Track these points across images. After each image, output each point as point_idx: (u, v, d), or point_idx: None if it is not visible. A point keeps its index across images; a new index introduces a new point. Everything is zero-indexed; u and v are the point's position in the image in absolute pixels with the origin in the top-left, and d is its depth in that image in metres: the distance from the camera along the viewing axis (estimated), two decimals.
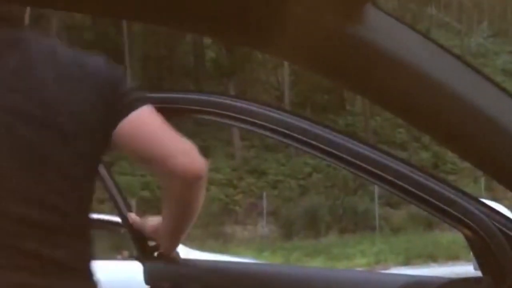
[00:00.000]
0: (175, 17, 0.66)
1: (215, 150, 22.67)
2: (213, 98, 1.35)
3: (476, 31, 30.16)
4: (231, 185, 21.35)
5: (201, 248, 9.26)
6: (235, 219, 19.92)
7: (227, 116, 1.31)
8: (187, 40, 26.51)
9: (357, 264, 14.16)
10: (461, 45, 26.53)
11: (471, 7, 31.21)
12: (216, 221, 18.97)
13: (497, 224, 1.03)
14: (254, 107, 1.26)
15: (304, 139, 1.17)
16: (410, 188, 1.07)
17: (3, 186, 1.13)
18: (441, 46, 0.71)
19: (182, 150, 1.20)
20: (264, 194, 19.43)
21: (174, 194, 1.26)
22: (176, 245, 1.47)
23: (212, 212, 19.21)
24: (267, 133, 1.24)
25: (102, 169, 1.50)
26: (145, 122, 1.23)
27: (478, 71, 0.75)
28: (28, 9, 1.29)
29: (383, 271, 8.19)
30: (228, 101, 1.31)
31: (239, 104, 1.29)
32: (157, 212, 1.44)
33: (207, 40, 24.41)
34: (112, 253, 6.80)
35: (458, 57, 0.73)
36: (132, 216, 1.53)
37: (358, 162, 1.11)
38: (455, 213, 1.04)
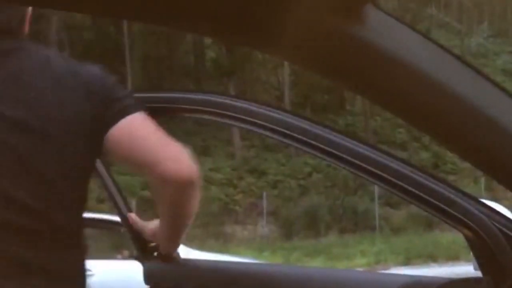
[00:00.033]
0: (175, 17, 0.66)
1: (215, 150, 22.68)
2: (213, 98, 1.35)
3: (476, 31, 30.16)
4: (231, 185, 21.35)
5: (201, 248, 9.26)
6: (235, 219, 19.92)
7: (227, 116, 1.30)
8: (187, 40, 26.51)
9: (357, 264, 14.16)
10: (461, 45, 26.54)
11: (471, 7, 31.21)
12: (216, 220, 18.97)
13: (497, 225, 1.03)
14: (254, 107, 1.26)
15: (304, 139, 1.17)
16: (410, 188, 1.06)
17: None
18: (441, 46, 0.71)
19: (171, 156, 1.20)
20: (264, 194, 19.44)
21: (166, 200, 1.27)
22: (175, 247, 1.47)
23: (212, 212, 19.21)
24: (267, 133, 1.24)
25: (101, 169, 1.51)
26: (135, 129, 1.23)
27: (478, 71, 0.75)
28: (28, 19, 1.29)
29: (383, 271, 8.20)
30: (228, 101, 1.31)
31: (239, 104, 1.29)
32: (155, 213, 1.44)
33: (207, 40, 24.41)
34: (112, 252, 6.81)
35: (458, 57, 0.73)
36: (132, 217, 1.53)
37: (358, 162, 1.10)
38: (455, 213, 1.04)
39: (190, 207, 1.28)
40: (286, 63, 17.93)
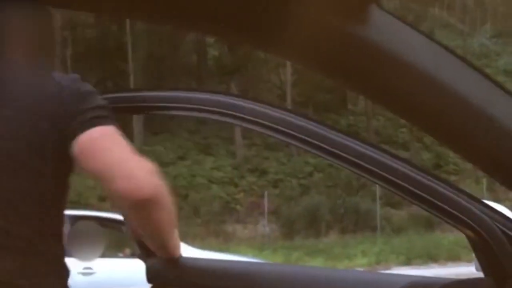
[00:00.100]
0: (177, 16, 0.66)
1: (216, 148, 22.68)
2: (215, 97, 1.35)
3: (479, 32, 30.12)
4: (232, 184, 21.35)
5: (202, 246, 9.27)
6: (236, 218, 19.92)
7: (229, 115, 1.30)
8: (189, 39, 26.51)
9: (357, 264, 14.15)
10: (463, 46, 26.51)
11: (474, 8, 31.18)
12: (217, 219, 18.98)
13: (499, 225, 1.03)
14: (256, 106, 1.26)
15: (306, 138, 1.17)
16: (412, 189, 1.06)
17: None
18: (444, 47, 0.71)
19: (127, 174, 1.17)
20: (265, 193, 19.44)
21: (128, 215, 1.25)
22: (166, 253, 1.45)
23: (213, 211, 19.23)
24: (269, 132, 1.24)
25: None
26: (98, 141, 1.22)
27: (481, 72, 0.75)
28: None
29: (384, 272, 8.19)
30: (230, 100, 1.31)
31: (241, 103, 1.29)
32: None
33: (210, 39, 24.40)
34: (114, 251, 6.81)
35: (461, 58, 0.73)
36: None
37: (359, 162, 1.10)
38: (458, 214, 1.04)
39: (155, 223, 1.25)
40: (288, 62, 17.92)
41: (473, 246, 1.09)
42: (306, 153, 19.43)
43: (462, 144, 0.79)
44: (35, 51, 1.33)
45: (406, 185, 1.07)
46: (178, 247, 1.47)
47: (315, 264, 13.39)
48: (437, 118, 0.74)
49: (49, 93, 1.25)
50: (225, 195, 20.60)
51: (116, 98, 1.45)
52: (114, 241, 6.63)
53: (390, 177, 1.08)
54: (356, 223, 19.27)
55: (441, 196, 1.05)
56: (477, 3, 31.24)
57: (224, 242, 17.02)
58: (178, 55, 26.07)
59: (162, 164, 20.92)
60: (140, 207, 1.18)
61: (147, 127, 21.88)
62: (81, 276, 6.20)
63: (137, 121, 21.21)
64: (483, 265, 1.09)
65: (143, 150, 21.60)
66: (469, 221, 1.03)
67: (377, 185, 1.72)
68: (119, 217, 1.67)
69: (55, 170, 1.26)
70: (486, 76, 0.75)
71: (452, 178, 20.30)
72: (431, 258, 15.18)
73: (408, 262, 14.76)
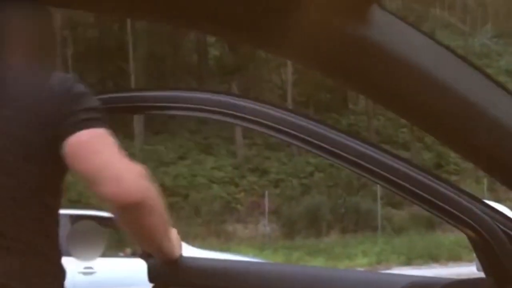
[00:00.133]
0: (179, 16, 0.66)
1: (217, 148, 22.67)
2: (216, 97, 1.35)
3: (480, 32, 30.11)
4: (233, 183, 21.35)
5: (203, 246, 9.27)
6: (236, 218, 19.92)
7: (230, 115, 1.30)
8: (190, 38, 26.51)
9: (358, 264, 14.15)
10: (464, 46, 26.49)
11: (475, 8, 31.16)
12: (217, 219, 18.98)
13: (500, 225, 1.03)
14: (257, 106, 1.26)
15: (307, 138, 1.17)
16: (412, 189, 1.06)
17: None
18: (446, 47, 0.71)
19: (113, 177, 1.16)
20: (266, 192, 19.44)
21: (118, 219, 1.25)
22: (164, 254, 1.44)
23: (214, 210, 19.22)
24: (270, 132, 1.24)
25: None
26: (87, 144, 1.21)
27: (482, 72, 0.75)
28: None
29: (385, 272, 8.19)
30: (231, 100, 1.31)
31: (242, 102, 1.29)
32: None
33: (211, 38, 24.40)
34: (115, 250, 6.81)
35: (462, 58, 0.73)
36: None
37: (360, 162, 1.10)
38: (459, 214, 1.04)
39: (145, 227, 1.24)
40: (289, 62, 17.92)
41: (474, 246, 1.09)
42: (307, 153, 19.43)
43: (463, 144, 0.78)
44: (35, 51, 1.32)
45: (407, 185, 1.07)
46: (178, 248, 1.47)
47: (316, 264, 13.39)
48: (438, 118, 0.74)
49: (43, 94, 1.25)
50: (226, 194, 20.60)
51: (117, 98, 1.45)
52: (114, 240, 6.63)
53: (391, 177, 1.08)
54: (357, 223, 19.27)
55: (442, 196, 1.05)
56: (478, 3, 31.22)
57: (225, 242, 17.03)
58: (179, 55, 26.08)
59: (163, 164, 21.00)
60: (128, 210, 1.18)
61: (148, 126, 21.89)
62: (82, 276, 6.21)
63: (137, 120, 21.22)
64: (484, 265, 1.09)
65: (144, 149, 21.66)
66: (470, 221, 1.03)
67: (378, 185, 1.72)
68: None
69: (48, 171, 1.25)
70: (487, 76, 0.75)
71: (453, 178, 20.29)
72: (432, 258, 15.18)
73: (409, 262, 14.76)
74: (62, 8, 1.26)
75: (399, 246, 16.09)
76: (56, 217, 1.30)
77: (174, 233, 1.46)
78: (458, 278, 1.20)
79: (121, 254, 6.93)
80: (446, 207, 1.04)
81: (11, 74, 1.26)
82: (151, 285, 1.57)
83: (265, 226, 19.12)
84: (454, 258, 14.52)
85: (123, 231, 1.31)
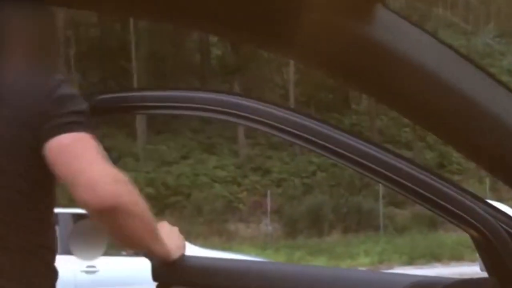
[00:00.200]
0: (181, 15, 0.66)
1: (220, 148, 22.68)
2: (219, 96, 1.35)
3: (482, 31, 30.07)
4: (235, 183, 21.35)
5: (205, 245, 9.27)
6: (239, 217, 19.93)
7: (233, 114, 1.30)
8: (193, 38, 26.52)
9: (360, 264, 14.14)
10: (467, 45, 26.46)
11: (478, 7, 31.13)
12: (219, 218, 18.99)
13: (502, 225, 1.03)
14: (259, 105, 1.26)
15: (309, 137, 1.17)
16: (415, 188, 1.06)
17: None
18: (449, 46, 0.71)
19: (88, 183, 1.16)
20: (268, 192, 19.44)
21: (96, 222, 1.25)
22: (160, 255, 1.41)
23: (216, 210, 19.23)
24: (272, 131, 1.24)
25: None
26: (69, 147, 1.21)
27: (485, 71, 0.75)
28: None
29: (387, 271, 8.19)
30: (233, 99, 1.31)
31: (245, 102, 1.29)
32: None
33: (213, 38, 24.40)
34: (118, 249, 6.81)
35: (465, 57, 0.73)
36: None
37: (363, 161, 1.10)
38: (461, 214, 1.04)
39: (124, 231, 1.22)
40: (291, 61, 17.91)
41: (476, 245, 1.09)
42: (309, 153, 19.43)
43: (465, 144, 0.78)
44: (37, 51, 1.32)
45: (410, 185, 1.07)
46: (180, 248, 1.46)
47: (318, 263, 13.39)
48: (441, 117, 0.74)
49: (30, 95, 1.25)
50: (228, 194, 20.61)
51: (120, 97, 1.45)
52: None
53: (393, 177, 1.08)
54: (359, 222, 19.26)
55: (444, 196, 1.05)
56: (480, 2, 31.19)
57: (227, 241, 17.04)
58: (182, 55, 26.08)
59: (165, 163, 21.01)
60: (103, 215, 1.17)
61: (150, 126, 21.90)
62: (84, 275, 6.22)
63: (140, 120, 21.23)
64: (487, 264, 1.09)
65: (146, 149, 21.62)
66: (472, 220, 1.03)
67: (380, 185, 1.72)
68: None
69: (35, 171, 1.25)
70: (490, 76, 0.75)
71: (456, 177, 20.27)
72: (434, 257, 15.16)
73: (411, 262, 14.74)
74: (64, 8, 1.25)
75: (401, 246, 16.07)
76: (49, 217, 1.30)
77: (176, 232, 1.46)
78: (461, 278, 1.20)
79: (124, 252, 6.93)
80: (449, 206, 1.04)
81: (2, 74, 1.26)
82: (154, 284, 1.57)
83: (267, 226, 19.12)
84: (457, 257, 14.50)
85: None
